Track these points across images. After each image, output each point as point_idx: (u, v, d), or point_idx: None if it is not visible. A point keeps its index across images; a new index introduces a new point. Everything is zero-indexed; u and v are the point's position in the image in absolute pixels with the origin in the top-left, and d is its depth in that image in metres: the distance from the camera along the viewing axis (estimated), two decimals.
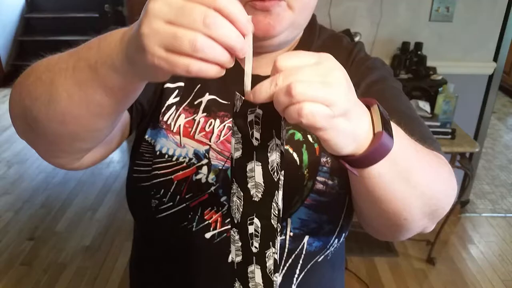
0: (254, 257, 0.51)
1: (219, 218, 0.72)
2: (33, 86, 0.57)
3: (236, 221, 0.52)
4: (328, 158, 0.73)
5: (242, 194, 0.51)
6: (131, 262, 0.91)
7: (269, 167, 0.49)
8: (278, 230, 0.50)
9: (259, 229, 0.51)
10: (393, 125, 0.51)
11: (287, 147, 0.72)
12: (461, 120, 2.50)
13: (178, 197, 0.71)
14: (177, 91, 0.75)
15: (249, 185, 0.51)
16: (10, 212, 2.94)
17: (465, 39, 2.57)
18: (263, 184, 0.50)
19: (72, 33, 5.33)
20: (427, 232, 0.64)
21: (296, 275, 0.74)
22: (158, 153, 0.73)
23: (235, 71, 0.74)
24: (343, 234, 0.77)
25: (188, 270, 0.77)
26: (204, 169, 0.72)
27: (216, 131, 0.73)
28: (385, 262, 2.59)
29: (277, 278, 0.51)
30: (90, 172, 3.39)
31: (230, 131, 0.73)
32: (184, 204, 0.71)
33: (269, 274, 0.51)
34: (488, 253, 2.68)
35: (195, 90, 0.75)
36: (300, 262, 0.74)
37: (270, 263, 0.51)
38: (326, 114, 0.42)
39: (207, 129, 0.73)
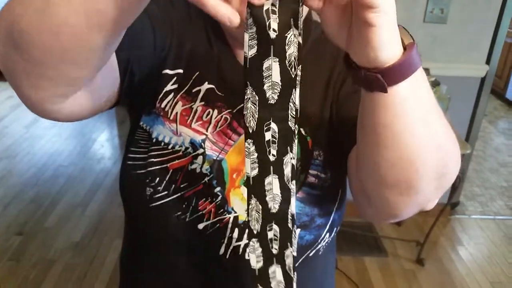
0: (271, 167, 0.48)
1: (212, 209, 0.72)
2: None
3: (251, 130, 0.48)
4: (321, 151, 0.72)
5: (257, 98, 0.47)
6: (122, 256, 0.90)
7: (287, 62, 0.46)
8: (296, 132, 0.48)
9: (276, 134, 0.48)
10: None
11: None
12: (453, 121, 2.49)
13: (174, 186, 0.71)
14: (175, 77, 0.74)
15: (265, 86, 0.47)
16: None
17: (458, 41, 2.58)
18: (280, 83, 0.47)
19: None
20: (429, 209, 0.61)
21: None
22: (154, 140, 0.73)
23: (231, 63, 0.74)
24: (335, 229, 0.77)
25: (179, 262, 0.76)
26: (199, 159, 0.72)
27: (213, 121, 0.73)
28: (375, 262, 2.59)
29: (294, 186, 0.49)
30: (80, 168, 3.37)
31: (227, 123, 0.72)
32: (179, 194, 0.71)
33: (287, 182, 0.49)
34: (477, 255, 2.70)
35: (193, 78, 0.74)
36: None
37: (287, 171, 0.49)
38: None
39: (204, 119, 0.73)
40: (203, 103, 0.73)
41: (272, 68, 0.47)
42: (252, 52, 0.47)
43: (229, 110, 0.73)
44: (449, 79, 2.52)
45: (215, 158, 0.72)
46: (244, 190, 0.72)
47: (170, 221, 0.72)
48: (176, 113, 0.73)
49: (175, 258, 0.76)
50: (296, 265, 0.74)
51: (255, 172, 0.49)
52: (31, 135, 3.89)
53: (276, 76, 0.47)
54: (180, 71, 0.74)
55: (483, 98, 2.76)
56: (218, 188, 0.72)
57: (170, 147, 0.72)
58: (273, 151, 0.49)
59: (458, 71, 2.63)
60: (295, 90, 0.47)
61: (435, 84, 2.40)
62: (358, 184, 0.68)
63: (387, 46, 0.44)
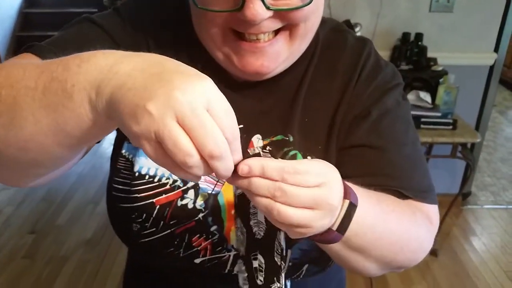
0: None
1: (208, 246, 0.65)
2: None
3: (241, 254, 0.51)
4: None
5: (245, 230, 0.50)
6: (126, 272, 0.88)
7: None
8: (283, 267, 0.50)
9: (263, 264, 0.50)
10: (368, 205, 0.54)
11: None
12: (462, 111, 2.49)
13: (162, 222, 0.65)
14: None
15: (251, 223, 0.49)
16: (11, 206, 2.94)
17: (465, 29, 2.56)
18: (264, 224, 0.49)
19: None
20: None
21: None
22: (137, 174, 0.66)
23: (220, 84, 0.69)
24: None
25: (179, 281, 0.74)
26: (191, 193, 0.65)
27: None
28: None
29: None
30: (91, 166, 3.39)
31: None
32: (169, 230, 0.65)
33: None
34: (491, 244, 2.68)
35: None
36: (296, 281, 0.70)
37: None
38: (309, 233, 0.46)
39: None
40: None
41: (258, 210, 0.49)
42: (240, 191, 0.49)
43: None
44: (457, 68, 2.49)
45: (209, 191, 0.64)
46: None
47: (164, 255, 0.67)
48: None
49: (176, 283, 0.74)
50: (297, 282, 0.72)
51: (246, 287, 0.52)
52: None
53: (261, 216, 0.50)
54: None
55: (492, 86, 2.73)
56: (214, 227, 0.64)
57: (156, 179, 0.65)
58: (260, 277, 0.51)
59: (466, 60, 2.61)
60: (280, 232, 0.50)
61: (443, 73, 2.38)
62: None
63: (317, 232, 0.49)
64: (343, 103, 0.67)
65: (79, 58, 0.44)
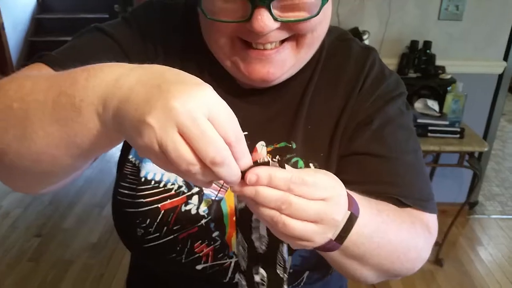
0: None
1: (210, 252, 0.66)
2: (1, 114, 0.49)
3: (242, 268, 0.51)
4: None
5: (246, 245, 0.50)
6: (129, 278, 0.88)
7: None
8: (285, 279, 0.50)
9: (265, 278, 0.50)
10: (369, 216, 0.54)
11: None
12: (470, 120, 2.48)
13: (165, 228, 0.66)
14: None
15: (253, 237, 0.49)
16: (19, 209, 2.96)
17: (474, 38, 2.55)
18: (267, 237, 0.49)
19: None
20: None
21: None
22: (143, 179, 0.67)
23: (226, 92, 0.68)
24: None
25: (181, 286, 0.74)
26: (195, 199, 0.66)
27: None
28: None
29: None
30: (98, 170, 3.41)
31: None
32: (172, 236, 0.66)
33: None
34: (497, 255, 2.65)
35: None
36: None
37: None
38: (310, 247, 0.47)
39: None
40: None
41: (260, 221, 0.49)
42: (242, 205, 0.49)
43: None
44: (465, 77, 2.48)
45: (213, 198, 0.66)
46: None
47: (165, 262, 0.68)
48: None
49: (177, 285, 0.75)
50: None
51: None
52: None
53: (263, 229, 0.50)
54: None
55: (501, 95, 2.71)
56: (216, 233, 0.65)
57: (161, 185, 0.67)
58: None
59: (475, 68, 2.60)
60: (283, 244, 0.49)
61: (451, 82, 2.37)
62: None
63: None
64: (346, 111, 0.68)
65: (87, 72, 0.45)
